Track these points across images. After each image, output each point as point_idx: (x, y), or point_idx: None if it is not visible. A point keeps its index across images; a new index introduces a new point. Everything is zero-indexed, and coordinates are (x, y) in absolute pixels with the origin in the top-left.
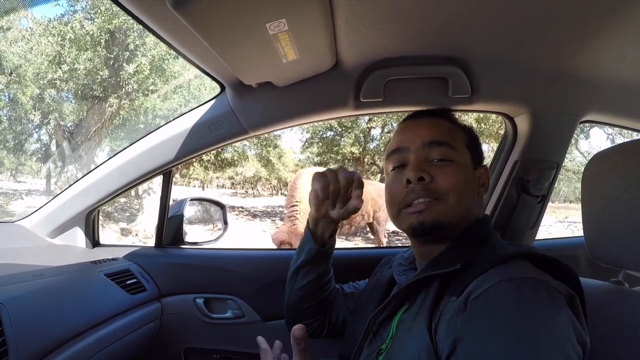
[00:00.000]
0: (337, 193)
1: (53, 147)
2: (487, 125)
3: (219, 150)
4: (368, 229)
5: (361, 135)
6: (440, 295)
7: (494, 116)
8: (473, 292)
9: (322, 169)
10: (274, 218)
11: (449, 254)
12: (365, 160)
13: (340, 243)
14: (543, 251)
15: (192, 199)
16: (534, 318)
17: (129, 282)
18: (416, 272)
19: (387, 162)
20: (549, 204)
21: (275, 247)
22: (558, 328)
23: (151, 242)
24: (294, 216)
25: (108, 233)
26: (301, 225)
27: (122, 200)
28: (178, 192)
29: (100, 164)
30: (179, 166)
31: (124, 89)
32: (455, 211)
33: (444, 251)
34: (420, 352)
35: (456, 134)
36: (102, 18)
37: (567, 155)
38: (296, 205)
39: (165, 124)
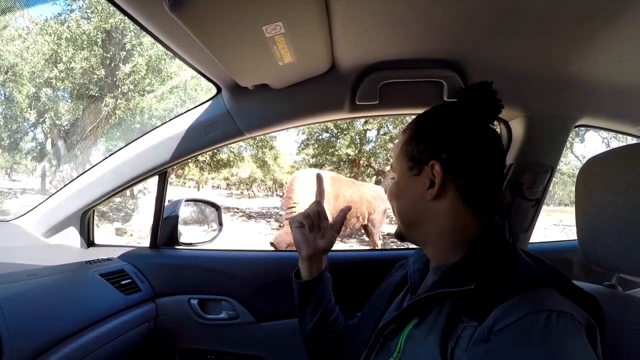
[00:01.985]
0: (316, 225)
1: (48, 146)
2: None
3: (215, 151)
4: (363, 230)
5: (357, 137)
6: (455, 315)
7: None
8: (498, 323)
9: (318, 170)
10: (269, 219)
11: (462, 269)
12: (361, 162)
13: (335, 244)
14: (567, 277)
15: (187, 200)
16: (560, 355)
17: (123, 282)
18: (426, 273)
19: None
20: (544, 207)
21: (281, 250)
22: None
23: (146, 243)
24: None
25: (103, 233)
26: None
27: (117, 200)
28: (173, 192)
29: (96, 164)
30: (175, 167)
31: (120, 89)
32: (399, 221)
33: (456, 263)
34: None
35: (397, 148)
36: (99, 17)
37: (562, 158)
38: (294, 207)
39: (161, 124)
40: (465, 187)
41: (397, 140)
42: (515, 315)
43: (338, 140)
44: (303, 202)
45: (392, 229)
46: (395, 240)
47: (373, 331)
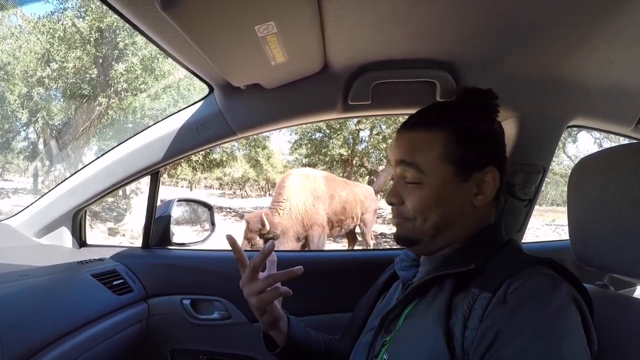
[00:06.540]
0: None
1: (40, 146)
2: None
3: (208, 150)
4: (358, 230)
5: (350, 137)
6: (458, 290)
7: None
8: (511, 286)
9: (312, 170)
10: None
11: (462, 255)
12: (354, 162)
13: (329, 245)
14: (561, 263)
15: (179, 200)
16: (566, 312)
17: (115, 282)
18: (418, 268)
19: None
20: (537, 207)
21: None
22: (579, 328)
23: (138, 243)
24: (277, 209)
25: (95, 233)
26: (278, 218)
27: (110, 200)
28: (166, 192)
29: (88, 164)
30: (167, 166)
31: (112, 88)
32: (423, 231)
33: (455, 252)
34: (433, 343)
35: (432, 148)
36: (92, 16)
37: (554, 158)
38: (282, 202)
39: (154, 124)
40: (499, 191)
41: (408, 139)
42: (526, 278)
43: (331, 140)
44: (292, 200)
45: (383, 229)
46: (389, 240)
47: (362, 327)
